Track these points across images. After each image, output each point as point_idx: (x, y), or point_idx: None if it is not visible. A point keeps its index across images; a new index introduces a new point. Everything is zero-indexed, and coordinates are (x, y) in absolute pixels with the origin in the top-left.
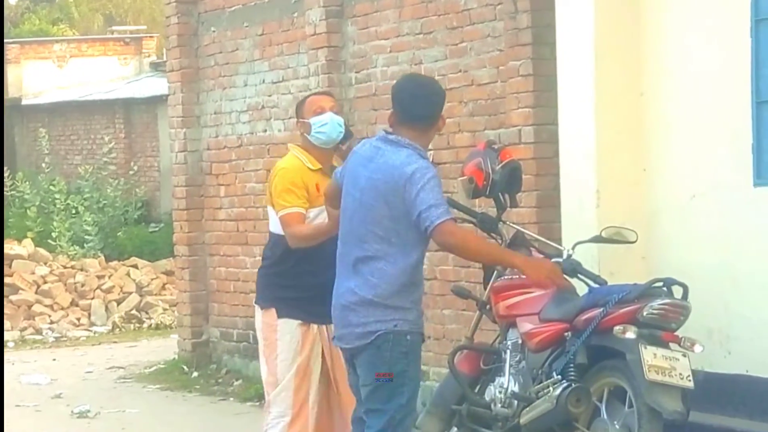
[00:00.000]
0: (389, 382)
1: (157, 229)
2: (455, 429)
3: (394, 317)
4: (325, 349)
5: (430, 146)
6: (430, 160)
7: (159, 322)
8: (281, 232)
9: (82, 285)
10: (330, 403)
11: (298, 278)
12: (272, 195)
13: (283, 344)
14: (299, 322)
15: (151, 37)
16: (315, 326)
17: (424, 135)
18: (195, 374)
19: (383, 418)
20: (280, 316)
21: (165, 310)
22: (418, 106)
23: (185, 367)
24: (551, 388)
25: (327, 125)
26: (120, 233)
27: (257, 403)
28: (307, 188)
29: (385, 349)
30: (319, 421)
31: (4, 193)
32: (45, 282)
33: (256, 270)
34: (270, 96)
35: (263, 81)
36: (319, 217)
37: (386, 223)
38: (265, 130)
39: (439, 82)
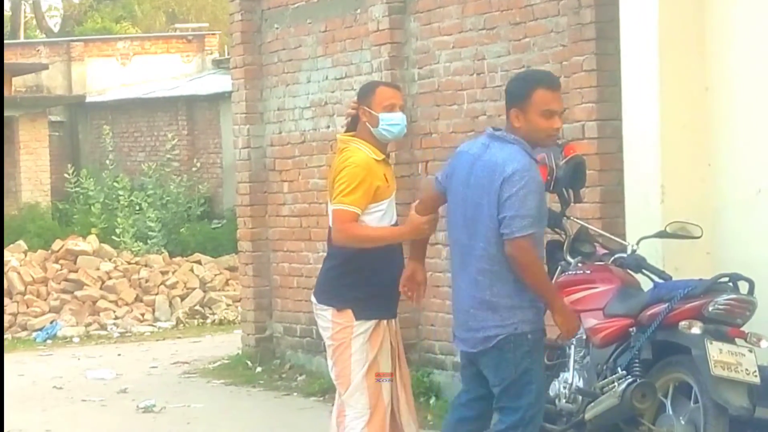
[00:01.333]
0: (516, 381)
1: (219, 225)
2: None
3: (513, 320)
4: (393, 343)
5: None
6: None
7: (222, 318)
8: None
9: (146, 281)
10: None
11: (374, 274)
12: (334, 186)
13: (357, 344)
14: (375, 321)
15: (213, 34)
16: (384, 322)
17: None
18: (259, 369)
19: (515, 416)
20: (358, 318)
21: (228, 305)
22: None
23: (249, 362)
24: (616, 384)
25: (398, 126)
26: (183, 229)
27: (321, 398)
28: (375, 182)
29: (508, 351)
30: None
31: (67, 190)
32: (110, 278)
33: (319, 266)
34: (333, 92)
35: (326, 77)
36: (389, 209)
37: (487, 221)
38: (328, 126)
39: (516, 76)
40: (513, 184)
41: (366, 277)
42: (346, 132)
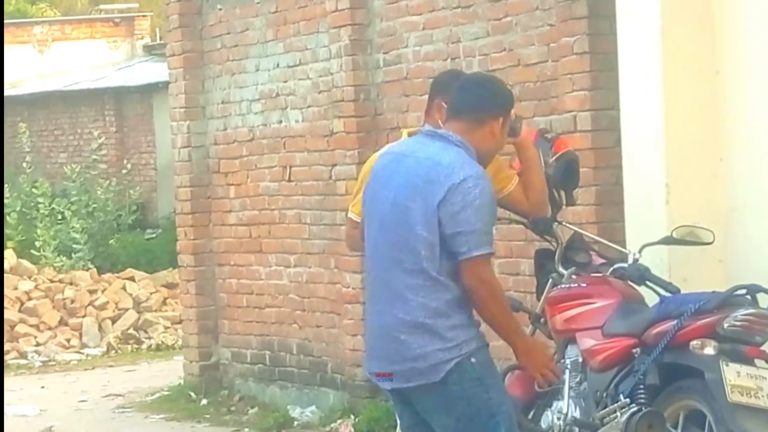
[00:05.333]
0: (475, 418)
1: (154, 235)
2: None
3: (457, 341)
4: None
5: None
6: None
7: (160, 343)
8: None
9: (72, 301)
10: None
11: None
12: None
13: None
14: None
15: (144, 16)
16: None
17: (471, 133)
18: (204, 401)
19: None
20: None
21: (167, 328)
22: (463, 95)
23: (193, 394)
24: (618, 413)
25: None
26: (112, 241)
27: None
28: None
29: (453, 383)
30: None
31: None
32: (29, 298)
33: (272, 282)
34: (285, 82)
35: (278, 65)
36: None
37: (419, 230)
38: (281, 121)
39: (502, 82)
40: (466, 193)
41: None
42: None
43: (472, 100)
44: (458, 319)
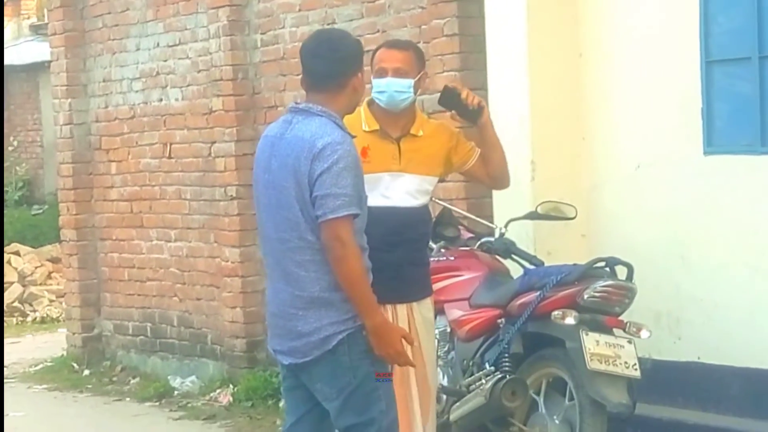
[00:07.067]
0: (358, 389)
1: (40, 211)
2: None
3: (351, 313)
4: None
5: None
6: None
7: (45, 315)
8: None
9: None
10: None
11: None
12: None
13: None
14: None
15: None
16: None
17: (334, 100)
18: (86, 372)
19: (369, 431)
20: None
21: (51, 301)
22: (319, 64)
23: (75, 365)
24: (483, 381)
25: (384, 94)
26: None
27: (156, 404)
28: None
29: (342, 354)
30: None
31: None
32: None
33: (153, 256)
34: (165, 61)
35: (158, 44)
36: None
37: (297, 206)
38: (161, 100)
39: (351, 36)
40: (324, 159)
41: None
42: None
43: (330, 70)
44: (344, 295)
